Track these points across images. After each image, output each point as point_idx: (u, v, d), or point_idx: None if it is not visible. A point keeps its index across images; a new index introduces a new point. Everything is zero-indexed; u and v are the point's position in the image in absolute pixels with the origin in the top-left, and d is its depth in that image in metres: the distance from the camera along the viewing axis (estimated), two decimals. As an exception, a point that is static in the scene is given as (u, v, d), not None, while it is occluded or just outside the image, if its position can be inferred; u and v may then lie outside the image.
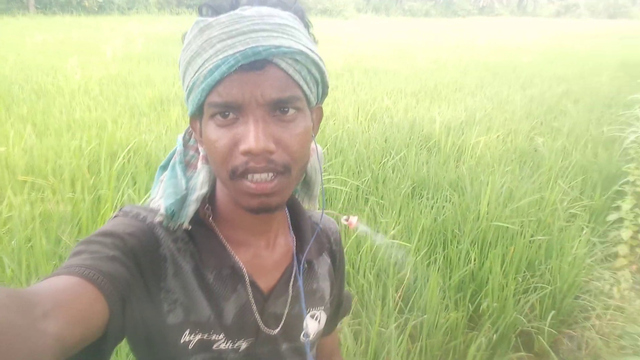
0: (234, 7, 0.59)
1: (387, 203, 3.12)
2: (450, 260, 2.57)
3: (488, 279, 2.42)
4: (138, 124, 4.60)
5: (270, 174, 0.58)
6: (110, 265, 0.55)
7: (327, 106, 5.32)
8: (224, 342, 0.66)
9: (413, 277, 2.39)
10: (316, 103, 0.66)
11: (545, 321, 2.31)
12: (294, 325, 0.73)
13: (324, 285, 0.79)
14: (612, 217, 3.24)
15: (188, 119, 0.68)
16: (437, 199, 3.26)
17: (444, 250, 2.69)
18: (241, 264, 0.68)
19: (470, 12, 44.34)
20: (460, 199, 3.21)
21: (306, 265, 0.75)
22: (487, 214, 2.90)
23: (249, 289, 0.68)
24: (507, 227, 2.79)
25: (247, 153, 0.56)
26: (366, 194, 3.29)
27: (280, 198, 0.60)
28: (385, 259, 2.46)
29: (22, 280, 2.10)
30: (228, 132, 0.58)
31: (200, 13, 0.60)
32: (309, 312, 0.76)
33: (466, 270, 2.47)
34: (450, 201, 3.23)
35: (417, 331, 2.16)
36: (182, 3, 27.99)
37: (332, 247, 0.83)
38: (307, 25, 0.64)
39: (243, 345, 0.68)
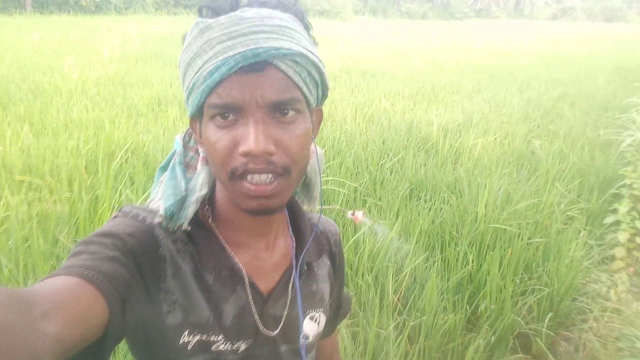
0: (234, 8, 0.59)
1: (385, 205, 3.12)
2: (448, 262, 2.57)
3: (486, 280, 2.42)
4: (136, 124, 4.60)
5: (270, 176, 0.58)
6: (110, 265, 0.55)
7: (325, 108, 5.30)
8: (223, 343, 0.66)
9: (412, 279, 2.39)
10: (316, 105, 0.66)
11: (542, 323, 2.32)
12: (293, 327, 0.73)
13: (324, 287, 0.79)
14: (609, 219, 3.25)
15: (186, 120, 0.68)
16: (435, 201, 3.27)
17: (442, 252, 2.69)
18: (241, 266, 0.68)
19: (468, 14, 44.48)
20: (458, 201, 3.21)
21: (306, 267, 0.75)
22: (485, 216, 2.91)
23: (249, 291, 0.68)
24: (505, 229, 2.80)
25: (246, 154, 0.56)
26: (364, 196, 3.29)
27: (279, 200, 0.60)
28: (384, 260, 2.46)
29: (19, 280, 2.09)
30: (228, 134, 0.58)
31: (200, 14, 0.60)
32: (308, 313, 0.76)
33: (464, 272, 2.48)
34: (448, 203, 3.23)
35: (415, 333, 2.16)
36: (179, 3, 27.97)
37: (331, 249, 0.83)
38: (307, 27, 0.64)
39: (242, 346, 0.68)
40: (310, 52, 0.60)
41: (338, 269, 0.85)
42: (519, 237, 2.75)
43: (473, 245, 2.73)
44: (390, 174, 3.71)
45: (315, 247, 0.77)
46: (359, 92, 6.87)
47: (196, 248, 0.66)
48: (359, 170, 3.70)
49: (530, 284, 2.53)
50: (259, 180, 0.58)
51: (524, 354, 2.25)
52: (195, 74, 0.58)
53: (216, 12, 0.59)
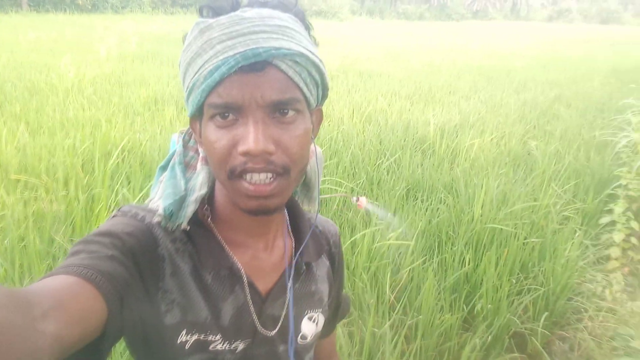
0: (234, 8, 0.59)
1: (382, 205, 3.13)
2: (445, 262, 2.58)
3: (482, 280, 2.43)
4: (132, 123, 4.59)
5: (269, 175, 0.58)
6: (109, 264, 0.55)
7: (322, 108, 5.32)
8: (220, 342, 0.66)
9: (409, 279, 2.40)
10: (316, 105, 0.66)
11: (538, 322, 2.33)
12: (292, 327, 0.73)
13: (323, 288, 0.79)
14: (605, 220, 3.27)
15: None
16: (432, 201, 3.28)
17: (438, 252, 2.70)
18: (239, 265, 0.68)
19: (464, 15, 44.59)
20: (455, 201, 3.22)
21: (305, 267, 0.75)
22: (481, 216, 2.92)
23: (247, 290, 0.68)
24: (501, 229, 2.81)
25: (246, 154, 0.56)
26: (361, 196, 3.29)
27: (279, 200, 0.60)
28: (381, 259, 2.46)
29: (15, 279, 2.09)
30: (227, 133, 0.58)
31: (201, 14, 0.60)
32: (307, 314, 0.76)
33: (461, 272, 2.48)
34: (444, 203, 3.24)
35: (412, 332, 2.17)
36: (176, 3, 27.92)
37: (331, 249, 0.83)
38: (307, 27, 0.64)
39: (240, 346, 0.68)
40: (311, 52, 0.60)
41: (337, 270, 0.84)
42: (515, 237, 2.76)
43: (469, 245, 2.74)
44: (387, 174, 3.71)
45: (314, 247, 0.77)
46: (356, 93, 6.87)
47: (195, 247, 0.66)
48: (356, 170, 3.70)
49: (526, 284, 2.54)
50: (258, 180, 0.58)
51: (519, 353, 2.26)
52: (196, 73, 0.58)
53: (217, 12, 0.59)
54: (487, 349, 2.19)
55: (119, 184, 2.86)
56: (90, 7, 23.31)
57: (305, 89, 0.60)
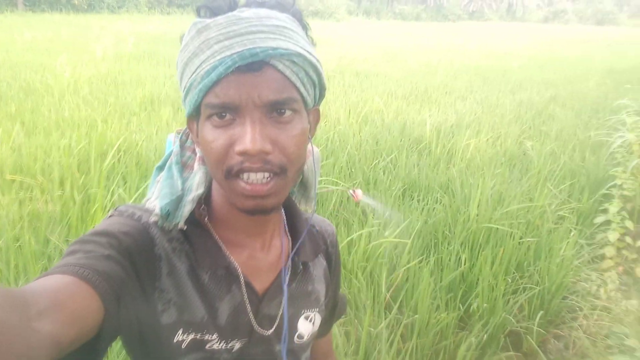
0: (231, 8, 0.59)
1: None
2: (441, 262, 2.59)
3: (478, 279, 2.44)
4: (128, 123, 4.57)
5: (266, 175, 0.58)
6: (105, 264, 0.55)
7: (319, 108, 5.32)
8: (217, 342, 0.66)
9: (405, 278, 2.41)
10: (313, 105, 0.66)
11: (533, 321, 2.34)
12: (288, 326, 0.73)
13: (319, 287, 0.79)
14: (600, 219, 3.28)
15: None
16: (428, 201, 3.29)
17: (435, 251, 2.70)
18: (236, 265, 0.68)
19: (461, 16, 44.69)
20: (451, 201, 3.23)
21: (302, 267, 0.76)
22: (477, 216, 2.93)
23: (244, 290, 0.68)
24: (497, 228, 2.82)
25: (243, 154, 0.56)
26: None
27: (275, 200, 0.61)
28: (378, 259, 2.47)
29: (10, 280, 2.08)
30: (224, 133, 0.58)
31: (198, 14, 0.60)
32: (303, 313, 0.76)
33: (457, 272, 2.49)
34: (440, 203, 3.25)
35: (408, 331, 2.17)
36: (172, 3, 27.85)
37: (328, 249, 0.83)
38: (305, 28, 0.64)
39: (236, 345, 0.68)
40: (308, 52, 0.60)
41: (334, 270, 0.85)
42: (510, 236, 2.77)
43: (465, 244, 2.75)
44: (384, 174, 3.72)
45: (311, 246, 0.77)
46: (352, 93, 6.88)
47: (192, 247, 0.66)
48: (352, 170, 3.71)
49: (522, 283, 2.56)
50: (255, 180, 0.58)
51: (515, 351, 2.27)
52: (193, 73, 0.58)
53: (214, 12, 0.59)
54: (482, 348, 2.20)
55: (115, 184, 2.85)
56: (86, 7, 23.22)
57: (302, 89, 0.61)
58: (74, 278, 0.51)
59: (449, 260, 2.56)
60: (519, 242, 2.78)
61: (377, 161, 3.96)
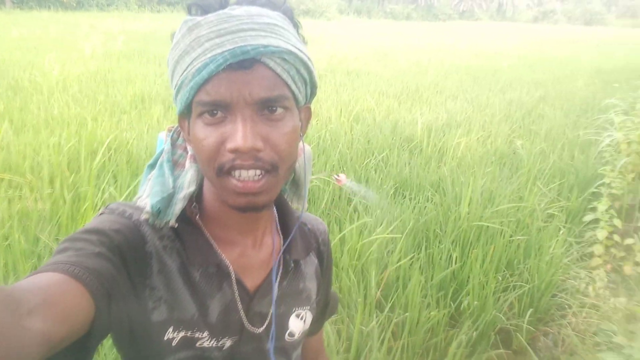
0: (222, 6, 0.59)
1: (371, 203, 3.14)
2: (432, 259, 2.60)
3: (469, 277, 2.45)
4: (119, 121, 4.54)
5: (258, 172, 0.58)
6: (96, 261, 0.55)
7: (310, 106, 5.33)
8: (208, 339, 0.66)
9: (396, 276, 2.42)
10: (304, 103, 0.66)
11: (523, 319, 2.36)
12: (279, 324, 0.73)
13: (311, 285, 0.79)
14: (588, 217, 3.32)
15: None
16: (419, 199, 3.30)
17: (426, 249, 2.72)
18: (227, 262, 0.68)
19: (451, 16, 44.89)
20: (442, 199, 3.25)
21: (293, 265, 0.76)
22: (468, 214, 2.95)
23: (235, 287, 0.68)
24: (488, 226, 2.84)
25: (234, 151, 0.56)
26: (349, 194, 3.31)
27: (267, 197, 0.61)
28: (369, 256, 2.47)
29: (-1, 279, 2.06)
30: (216, 131, 0.58)
31: (189, 12, 0.60)
32: (294, 311, 0.76)
33: (448, 270, 2.51)
34: (432, 201, 3.27)
35: (399, 329, 2.18)
36: (162, 1, 27.68)
37: (319, 247, 0.83)
38: (296, 26, 0.64)
39: (227, 343, 0.68)
40: (299, 49, 0.60)
41: (325, 268, 0.85)
42: (501, 234, 2.79)
43: (456, 242, 2.77)
44: (375, 173, 3.73)
45: (302, 244, 0.78)
46: (343, 92, 6.89)
47: (183, 245, 0.66)
48: (344, 168, 3.72)
49: (512, 281, 2.58)
50: (247, 177, 0.58)
51: (505, 349, 2.29)
52: (184, 71, 0.58)
53: (205, 10, 0.59)
54: (473, 345, 2.22)
55: (105, 182, 2.83)
56: (75, 5, 23.00)
57: (293, 87, 0.61)
58: (64, 276, 0.51)
59: (440, 258, 2.58)
60: (509, 241, 2.80)
61: (368, 160, 3.97)
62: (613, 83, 8.38)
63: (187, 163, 0.68)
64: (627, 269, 2.94)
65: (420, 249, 2.70)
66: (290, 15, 0.63)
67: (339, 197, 3.25)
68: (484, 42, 19.43)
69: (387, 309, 2.23)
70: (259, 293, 0.71)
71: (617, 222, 3.11)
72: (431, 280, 2.45)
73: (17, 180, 2.96)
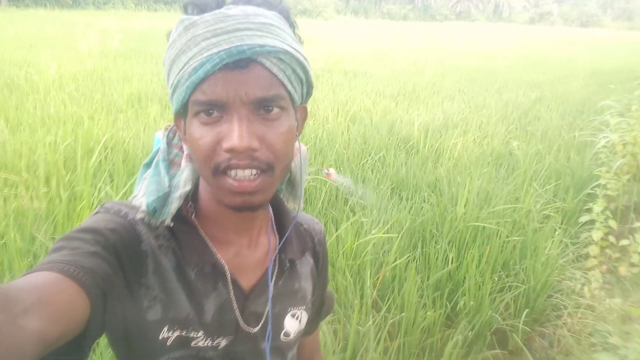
0: (219, 5, 0.59)
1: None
2: (429, 260, 2.60)
3: (465, 278, 2.46)
4: (115, 120, 4.53)
5: (254, 171, 0.58)
6: (91, 260, 0.55)
7: (307, 106, 5.33)
8: (203, 339, 0.66)
9: (392, 276, 2.42)
10: (300, 102, 0.66)
11: (519, 319, 2.37)
12: (274, 324, 0.73)
13: (306, 285, 0.79)
14: (584, 219, 3.33)
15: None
16: (416, 199, 3.31)
17: (422, 249, 2.72)
18: (223, 262, 0.68)
19: (448, 16, 44.99)
20: (438, 199, 3.26)
21: (288, 265, 0.76)
22: (465, 214, 2.95)
23: (230, 287, 0.68)
24: (484, 227, 2.84)
25: (230, 150, 0.56)
26: (346, 194, 3.31)
27: (263, 196, 0.61)
28: (365, 256, 2.48)
29: (-6, 278, 2.05)
30: (212, 130, 0.58)
31: (185, 11, 0.60)
32: (289, 311, 0.76)
33: (444, 270, 2.51)
34: (428, 202, 3.27)
35: (395, 329, 2.18)
36: (159, 0, 27.62)
37: (315, 247, 0.83)
38: (292, 25, 0.64)
39: (222, 342, 0.68)
40: (295, 49, 0.60)
41: (321, 268, 0.85)
42: (497, 235, 2.80)
43: (453, 243, 2.77)
44: (372, 173, 3.74)
45: (298, 244, 0.77)
46: (341, 91, 6.89)
47: (178, 244, 0.66)
48: (341, 168, 3.72)
49: (508, 281, 2.58)
50: (243, 176, 0.58)
51: (500, 349, 2.30)
52: (180, 70, 0.58)
53: (201, 9, 0.59)
54: (469, 345, 2.22)
55: (101, 181, 2.82)
56: (71, 3, 22.93)
57: (289, 86, 0.61)
58: (59, 275, 0.50)
59: (436, 258, 2.58)
60: (505, 241, 2.81)
61: (365, 160, 3.98)
62: (609, 85, 8.42)
63: (183, 162, 0.68)
64: (622, 270, 2.95)
65: (417, 249, 2.70)
66: (286, 15, 0.63)
67: (336, 197, 3.25)
68: (480, 43, 19.47)
69: (383, 309, 2.23)
70: (254, 293, 0.70)
71: (613, 223, 3.12)
72: (427, 281, 2.45)
73: (13, 178, 2.95)
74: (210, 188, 0.64)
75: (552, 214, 3.40)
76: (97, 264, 0.55)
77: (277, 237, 0.76)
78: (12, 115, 4.41)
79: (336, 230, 2.66)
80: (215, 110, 0.57)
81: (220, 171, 0.58)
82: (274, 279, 0.73)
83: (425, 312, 2.23)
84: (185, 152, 0.69)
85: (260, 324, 0.71)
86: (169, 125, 0.72)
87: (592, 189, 3.73)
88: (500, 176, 3.91)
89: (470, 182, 3.29)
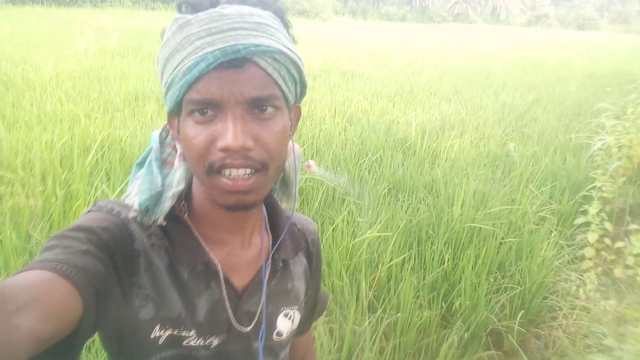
0: (213, 5, 0.59)
1: (367, 203, 3.14)
2: (425, 260, 2.61)
3: (461, 278, 2.46)
4: (112, 119, 4.52)
5: (248, 171, 0.58)
6: (84, 259, 0.55)
7: (304, 106, 5.32)
8: (195, 338, 0.66)
9: (387, 277, 2.42)
10: (294, 102, 0.66)
11: (514, 320, 2.37)
12: (267, 323, 0.73)
13: (299, 285, 0.79)
14: (579, 220, 3.34)
15: (164, 115, 0.68)
16: (412, 200, 3.31)
17: (418, 250, 2.73)
18: (216, 261, 0.68)
19: (445, 18, 45.05)
20: (435, 200, 3.26)
21: (281, 264, 0.76)
22: (461, 215, 2.96)
23: (223, 286, 0.68)
24: (480, 228, 2.85)
25: (225, 150, 0.56)
26: (342, 195, 3.31)
27: (256, 196, 0.61)
28: (360, 256, 2.48)
29: (-12, 276, 2.04)
30: (206, 129, 0.58)
31: (180, 10, 0.60)
32: (282, 311, 0.76)
33: (440, 271, 2.52)
34: (425, 203, 3.28)
35: (391, 329, 2.19)
36: (158, -2, 27.53)
37: (308, 247, 0.83)
38: (286, 25, 0.64)
39: (214, 342, 0.68)
40: (290, 49, 0.61)
41: (315, 268, 0.85)
42: (493, 236, 2.81)
43: (449, 244, 2.78)
44: (369, 173, 3.74)
45: (291, 244, 0.77)
46: (338, 92, 6.89)
47: (171, 243, 0.66)
48: (338, 169, 3.72)
49: (503, 282, 2.59)
50: (237, 175, 0.58)
51: (496, 350, 2.30)
52: (174, 69, 0.58)
53: (196, 9, 0.59)
54: (464, 346, 2.23)
55: (98, 180, 2.82)
56: (68, 1, 22.84)
57: (283, 86, 0.61)
58: (52, 273, 0.50)
59: (432, 259, 2.59)
60: (501, 243, 2.82)
61: (362, 160, 3.98)
62: (605, 87, 8.46)
63: (176, 162, 0.68)
64: (618, 271, 2.96)
65: (413, 250, 2.71)
66: (280, 15, 0.63)
67: (332, 197, 3.25)
68: (478, 45, 19.51)
69: (379, 310, 2.23)
70: (247, 292, 0.70)
71: (608, 226, 3.14)
72: (423, 281, 2.46)
73: (9, 176, 2.94)
74: (203, 187, 0.64)
75: (548, 215, 3.41)
76: (90, 263, 0.55)
77: (271, 236, 0.76)
78: (8, 112, 4.40)
79: (333, 230, 2.66)
80: (209, 109, 0.57)
81: (214, 170, 0.58)
82: (266, 278, 0.73)
83: (421, 313, 2.24)
84: (179, 152, 0.69)
85: (253, 324, 0.71)
86: (166, 124, 0.72)
87: (587, 191, 3.74)
88: (496, 178, 3.91)
89: (467, 183, 3.30)
